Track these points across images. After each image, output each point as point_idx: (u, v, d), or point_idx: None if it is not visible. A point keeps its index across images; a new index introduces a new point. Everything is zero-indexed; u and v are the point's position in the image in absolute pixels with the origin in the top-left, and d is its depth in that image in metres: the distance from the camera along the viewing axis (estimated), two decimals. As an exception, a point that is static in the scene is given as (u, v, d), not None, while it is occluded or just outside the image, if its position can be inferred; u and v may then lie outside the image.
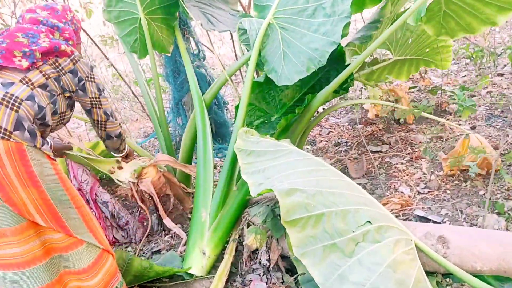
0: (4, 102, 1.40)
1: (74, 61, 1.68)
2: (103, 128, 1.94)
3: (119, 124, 2.01)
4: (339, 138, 3.59)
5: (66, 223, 1.51)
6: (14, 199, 1.40)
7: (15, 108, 1.41)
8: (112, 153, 2.26)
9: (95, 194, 2.57)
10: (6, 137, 1.37)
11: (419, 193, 2.48)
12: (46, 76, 1.56)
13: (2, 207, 1.40)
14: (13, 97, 1.42)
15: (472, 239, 1.65)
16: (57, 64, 1.61)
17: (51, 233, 1.50)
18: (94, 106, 1.84)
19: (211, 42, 4.66)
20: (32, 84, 1.50)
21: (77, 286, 1.59)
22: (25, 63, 1.48)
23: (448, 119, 3.28)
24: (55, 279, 1.51)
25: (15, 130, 1.39)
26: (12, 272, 1.44)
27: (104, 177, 3.20)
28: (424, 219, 2.20)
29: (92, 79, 1.78)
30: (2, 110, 1.38)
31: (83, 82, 1.73)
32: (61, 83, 1.63)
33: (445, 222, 2.16)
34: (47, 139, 1.90)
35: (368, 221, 1.62)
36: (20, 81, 1.47)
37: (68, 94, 1.68)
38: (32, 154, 1.43)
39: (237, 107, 2.50)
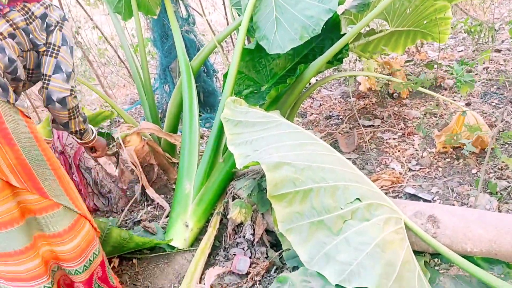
0: None
1: (44, 5, 1.53)
2: (45, 84, 1.54)
3: (71, 89, 1.57)
4: (330, 111, 3.50)
5: (42, 184, 1.41)
6: None
7: None
8: (75, 139, 1.86)
9: (79, 159, 2.47)
10: None
11: (410, 170, 2.42)
12: (14, 26, 1.42)
13: None
14: None
15: (464, 220, 1.60)
16: (26, 9, 1.46)
17: (26, 194, 1.40)
18: (46, 53, 1.53)
19: (202, 7, 4.48)
20: (1, 34, 1.38)
21: (49, 250, 1.51)
22: None
23: (443, 95, 3.19)
24: (30, 243, 1.42)
25: None
26: None
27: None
28: (415, 197, 2.14)
29: (61, 28, 1.56)
30: None
31: (51, 28, 1.53)
32: (30, 35, 1.47)
33: (435, 201, 2.11)
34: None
35: (358, 198, 1.56)
36: None
37: (42, 48, 1.51)
38: (5, 110, 1.32)
39: (225, 75, 2.39)
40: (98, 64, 5.02)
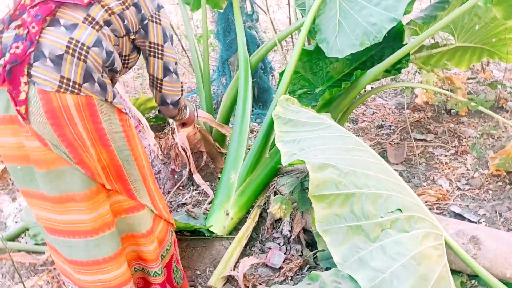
0: (70, 51, 1.20)
1: None
2: (158, 88, 1.53)
3: (181, 88, 1.59)
4: (383, 121, 3.46)
5: (131, 185, 1.39)
6: (86, 160, 1.25)
7: (82, 57, 1.21)
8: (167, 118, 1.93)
9: (136, 137, 2.60)
10: (76, 90, 1.20)
11: (458, 188, 2.36)
12: (110, 11, 1.30)
13: (73, 169, 1.24)
14: (79, 44, 1.21)
15: (507, 245, 1.56)
16: None
17: (116, 195, 1.37)
18: (152, 54, 1.46)
19: (267, 5, 4.54)
20: (97, 23, 1.27)
21: (133, 250, 1.48)
22: None
23: (504, 117, 3.07)
24: (119, 249, 1.38)
25: (85, 82, 1.22)
26: (78, 240, 1.32)
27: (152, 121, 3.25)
28: (460, 216, 2.10)
29: (158, 21, 1.43)
30: (69, 60, 1.19)
31: (146, 21, 1.40)
32: (125, 21, 1.34)
33: (481, 223, 2.05)
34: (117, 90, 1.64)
35: (399, 209, 1.55)
36: (83, 21, 1.24)
37: (132, 36, 1.40)
38: (102, 109, 1.27)
39: (282, 73, 2.43)
40: (162, 51, 5.21)
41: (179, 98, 1.61)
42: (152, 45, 1.45)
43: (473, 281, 1.63)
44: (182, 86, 1.61)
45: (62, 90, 1.18)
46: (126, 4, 1.34)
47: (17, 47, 1.17)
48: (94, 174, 1.27)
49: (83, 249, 1.34)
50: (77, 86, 1.21)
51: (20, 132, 1.22)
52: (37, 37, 1.19)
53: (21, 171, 1.30)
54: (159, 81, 1.52)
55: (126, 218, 1.42)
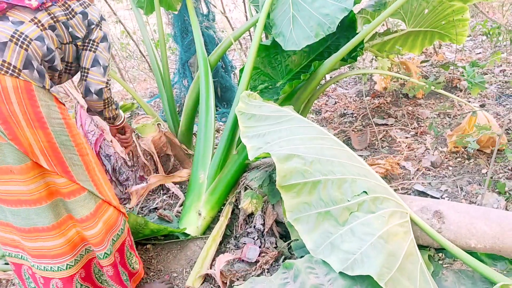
0: (14, 40, 1.36)
1: (84, 4, 1.61)
2: (84, 77, 1.65)
3: (107, 83, 1.69)
4: (345, 109, 3.54)
5: (70, 168, 1.49)
6: (20, 138, 1.37)
7: (24, 46, 1.37)
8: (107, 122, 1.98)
9: (100, 146, 2.57)
10: (15, 74, 1.34)
11: (420, 168, 2.45)
12: (55, 19, 1.49)
13: (8, 145, 1.37)
14: (23, 35, 1.38)
15: (469, 216, 1.64)
16: (66, 5, 1.54)
17: (55, 177, 1.49)
18: (86, 48, 1.63)
19: (222, 4, 4.55)
20: (42, 25, 1.44)
21: (78, 232, 1.59)
22: (34, 3, 1.43)
23: (458, 96, 3.20)
24: (58, 221, 1.51)
25: (24, 68, 1.36)
26: (20, 208, 1.47)
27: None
28: (423, 194, 2.18)
29: (101, 27, 1.66)
30: (12, 47, 1.35)
31: (93, 26, 1.62)
32: (70, 28, 1.54)
33: (444, 198, 2.14)
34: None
35: (365, 192, 1.60)
36: (30, 21, 1.42)
37: (79, 43, 1.59)
38: (40, 95, 1.40)
39: (241, 70, 2.45)
40: (120, 58, 5.14)
41: (102, 88, 1.67)
42: (89, 41, 1.63)
43: (440, 254, 1.70)
44: (108, 82, 1.70)
45: (2, 72, 1.32)
46: (72, 14, 1.55)
47: None
48: (27, 151, 1.39)
49: (25, 217, 1.48)
50: (16, 71, 1.35)
51: None
52: None
53: None
54: (85, 70, 1.63)
55: (67, 203, 1.54)
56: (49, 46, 1.45)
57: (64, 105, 1.51)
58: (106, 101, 1.73)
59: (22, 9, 1.43)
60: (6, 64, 1.33)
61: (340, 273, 1.38)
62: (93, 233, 1.57)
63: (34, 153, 1.41)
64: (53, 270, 1.54)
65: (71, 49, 1.59)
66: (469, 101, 3.07)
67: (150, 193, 2.64)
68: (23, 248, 1.58)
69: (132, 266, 1.79)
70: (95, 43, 1.63)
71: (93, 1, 1.79)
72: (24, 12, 1.43)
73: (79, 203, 1.53)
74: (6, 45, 1.34)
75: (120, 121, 1.97)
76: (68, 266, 1.56)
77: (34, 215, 1.47)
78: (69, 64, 1.63)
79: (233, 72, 4.03)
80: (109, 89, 1.73)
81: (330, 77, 3.84)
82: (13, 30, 1.37)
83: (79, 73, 1.69)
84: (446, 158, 2.49)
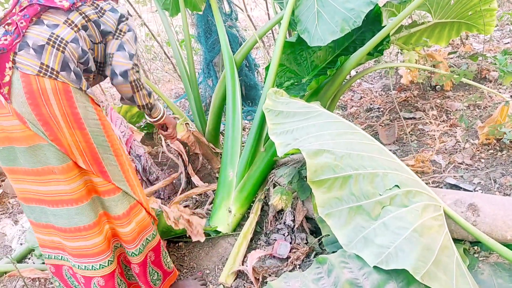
0: (51, 43, 1.40)
1: (109, 4, 1.62)
2: (109, 62, 1.61)
3: (134, 65, 1.63)
4: (371, 104, 3.51)
5: (106, 168, 1.53)
6: (61, 138, 1.41)
7: (61, 48, 1.41)
8: (147, 117, 1.94)
9: (130, 147, 2.63)
10: (54, 76, 1.38)
11: (451, 161, 2.41)
12: (86, 18, 1.51)
13: (49, 145, 1.41)
14: (59, 38, 1.41)
15: (504, 208, 1.61)
16: (95, 4, 1.56)
17: (92, 176, 1.52)
18: (113, 37, 1.61)
19: (244, 3, 4.57)
20: (76, 26, 1.47)
21: (111, 228, 1.63)
22: (66, 3, 1.46)
23: (488, 87, 3.13)
24: (98, 218, 1.55)
25: (62, 70, 1.40)
26: (61, 208, 1.50)
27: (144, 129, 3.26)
28: (456, 187, 2.14)
29: (127, 20, 1.66)
30: (49, 50, 1.39)
31: (124, 19, 1.63)
32: (102, 26, 1.55)
33: (477, 191, 2.10)
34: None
35: (396, 185, 1.59)
36: (64, 22, 1.45)
37: (109, 38, 1.59)
38: (77, 96, 1.44)
39: (267, 68, 2.46)
40: (145, 60, 5.22)
41: (128, 70, 1.60)
42: (117, 31, 1.61)
43: (475, 247, 1.67)
44: (135, 67, 1.63)
45: (41, 74, 1.36)
46: (102, 12, 1.57)
47: (5, 39, 1.37)
48: (68, 151, 1.43)
49: (66, 216, 1.51)
50: (55, 73, 1.39)
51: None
52: (24, 31, 1.39)
53: (3, 151, 1.47)
54: (111, 55, 1.60)
55: (103, 200, 1.57)
56: (83, 48, 1.49)
57: (99, 106, 1.55)
58: (133, 83, 1.65)
59: (55, 11, 1.47)
60: (44, 67, 1.37)
61: (375, 267, 1.38)
62: (127, 231, 1.61)
63: (73, 153, 1.44)
64: (94, 269, 1.58)
65: (102, 49, 1.61)
66: (500, 92, 3.00)
67: (180, 191, 2.68)
68: (64, 249, 1.62)
69: (167, 265, 1.82)
70: (122, 32, 1.62)
71: (117, 1, 1.81)
72: (57, 14, 1.47)
73: (113, 202, 1.57)
74: (43, 48, 1.38)
75: (160, 115, 1.91)
76: (109, 262, 1.60)
77: (75, 215, 1.50)
78: (101, 65, 1.65)
79: (256, 71, 4.05)
80: (137, 71, 1.67)
81: (356, 72, 3.80)
82: (50, 33, 1.41)
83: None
84: (478, 150, 2.44)
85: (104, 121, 1.53)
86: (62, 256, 1.68)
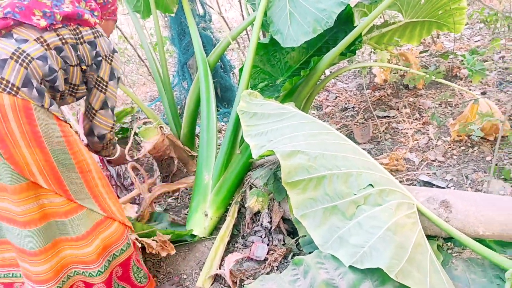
0: (14, 57, 1.35)
1: (96, 34, 1.58)
2: (90, 117, 1.66)
3: (112, 126, 1.71)
4: (346, 103, 3.54)
5: (68, 187, 1.48)
6: (16, 157, 1.35)
7: (24, 64, 1.36)
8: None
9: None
10: (13, 92, 1.32)
11: (424, 158, 2.45)
12: (63, 40, 1.47)
13: (3, 164, 1.36)
14: (24, 54, 1.36)
15: (476, 204, 1.63)
16: (77, 31, 1.52)
17: (52, 197, 1.46)
18: (96, 87, 1.63)
19: (218, 4, 4.56)
20: (48, 45, 1.43)
21: (71, 254, 1.55)
22: (43, 23, 1.42)
23: (459, 85, 3.19)
24: (48, 245, 1.48)
25: (23, 86, 1.34)
26: (13, 227, 1.44)
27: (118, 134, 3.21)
28: (429, 184, 2.17)
29: (110, 60, 1.64)
30: (11, 65, 1.34)
31: (100, 58, 1.60)
32: (78, 52, 1.52)
33: (450, 188, 2.14)
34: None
35: (370, 185, 1.60)
36: (35, 40, 1.41)
37: (84, 67, 1.57)
38: (39, 114, 1.38)
39: (241, 70, 2.45)
40: (119, 63, 5.14)
41: (106, 134, 1.71)
42: (99, 79, 1.63)
43: (449, 243, 1.69)
44: (113, 126, 1.72)
45: (0, 89, 1.31)
46: (81, 40, 1.53)
47: None
48: (24, 171, 1.38)
49: (17, 236, 1.46)
50: (15, 89, 1.33)
51: None
52: None
53: None
54: (93, 111, 1.65)
55: (66, 222, 1.51)
56: (52, 66, 1.44)
57: (66, 122, 1.49)
58: (106, 144, 1.73)
59: (29, 27, 1.42)
60: (4, 82, 1.32)
61: (350, 267, 1.38)
62: (88, 251, 1.54)
63: (32, 172, 1.39)
64: None
65: (78, 72, 1.56)
66: (470, 89, 3.06)
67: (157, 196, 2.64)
68: (17, 264, 1.56)
69: (139, 280, 1.77)
70: (105, 82, 1.63)
71: (109, 35, 1.80)
72: (30, 30, 1.42)
73: (76, 222, 1.51)
74: (6, 62, 1.33)
75: (111, 157, 1.94)
76: None
77: (23, 237, 1.44)
78: (75, 87, 1.59)
79: (232, 72, 4.04)
80: (113, 132, 1.72)
81: (330, 72, 3.83)
82: (15, 48, 1.36)
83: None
84: (450, 147, 2.48)
85: (69, 137, 1.48)
86: (13, 273, 1.61)
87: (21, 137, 1.35)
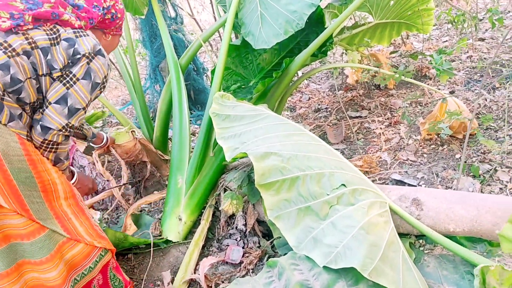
0: None
1: (78, 34, 1.44)
2: (42, 110, 1.44)
3: (64, 128, 1.45)
4: (319, 104, 3.56)
5: (28, 206, 1.38)
6: None
7: None
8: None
9: (73, 158, 2.51)
10: None
11: (396, 157, 2.48)
12: (33, 44, 1.34)
13: None
14: None
15: (446, 201, 1.66)
16: (54, 30, 1.39)
17: (12, 218, 1.36)
18: (61, 79, 1.42)
19: (190, 6, 4.52)
20: (13, 50, 1.29)
21: (35, 278, 1.45)
22: (5, 24, 1.29)
23: (428, 84, 3.26)
24: (10, 268, 1.37)
25: None
26: None
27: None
28: (401, 183, 2.21)
29: (90, 60, 1.44)
30: None
31: (79, 56, 1.42)
32: (48, 55, 1.37)
33: (421, 185, 2.17)
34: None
35: (343, 184, 1.61)
36: None
37: (57, 74, 1.40)
38: None
39: (213, 72, 2.44)
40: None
41: (51, 129, 1.42)
42: (68, 73, 1.43)
43: (421, 241, 1.72)
44: (64, 128, 1.44)
45: None
46: (57, 40, 1.38)
47: None
48: None
49: None
50: None
51: None
52: None
53: None
54: (47, 103, 1.42)
55: (26, 245, 1.40)
56: (15, 76, 1.30)
57: (29, 140, 1.40)
58: (46, 142, 1.44)
59: None
60: None
61: (324, 267, 1.38)
62: (53, 275, 1.45)
63: None
64: None
65: (48, 83, 1.42)
66: (439, 89, 3.13)
67: (129, 201, 2.60)
68: None
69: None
70: (74, 78, 1.43)
71: (112, 50, 1.71)
72: None
73: (38, 244, 1.41)
74: None
75: (66, 174, 1.66)
76: None
77: None
78: (46, 99, 1.44)
79: (205, 74, 4.01)
80: (64, 136, 1.47)
81: (302, 73, 3.85)
82: None
83: None
84: (421, 145, 2.53)
85: (33, 156, 1.38)
86: None
87: None
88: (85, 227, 1.57)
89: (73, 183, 1.71)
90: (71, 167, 1.71)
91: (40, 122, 1.41)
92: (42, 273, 1.44)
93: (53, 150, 1.48)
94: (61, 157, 1.54)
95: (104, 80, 1.53)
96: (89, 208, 2.34)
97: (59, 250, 1.47)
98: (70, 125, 1.46)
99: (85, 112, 1.51)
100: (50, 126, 1.42)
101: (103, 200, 2.54)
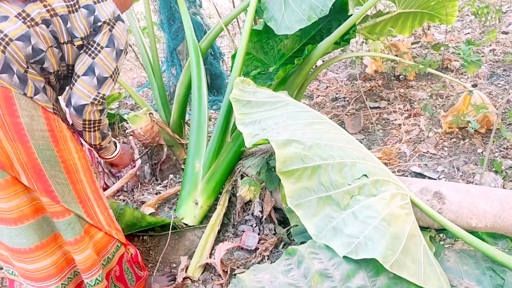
0: None
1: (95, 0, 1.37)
2: (71, 84, 1.40)
3: (96, 100, 1.39)
4: (337, 93, 3.52)
5: (53, 188, 1.32)
6: None
7: (1, 47, 1.19)
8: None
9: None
10: None
11: (415, 150, 2.45)
12: (52, 11, 1.28)
13: None
14: (1, 35, 1.20)
15: (469, 196, 1.63)
16: None
17: (39, 194, 1.32)
18: (86, 51, 1.37)
19: (209, -10, 4.48)
20: (32, 20, 1.24)
21: (66, 252, 1.44)
22: None
23: (450, 77, 3.20)
24: (43, 241, 1.35)
25: (2, 72, 1.20)
26: (2, 226, 1.32)
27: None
28: (420, 176, 2.18)
29: (111, 27, 1.38)
30: None
31: (100, 23, 1.36)
32: (68, 23, 1.31)
33: (441, 179, 2.14)
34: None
35: (365, 175, 1.59)
36: (17, 16, 1.23)
37: (79, 42, 1.35)
38: (21, 104, 1.23)
39: (233, 56, 2.41)
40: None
41: (85, 105, 1.38)
42: (92, 43, 1.37)
43: (441, 235, 1.69)
44: (96, 99, 1.39)
45: None
46: (75, 7, 1.33)
47: None
48: (5, 166, 1.25)
49: (7, 235, 1.34)
50: None
51: None
52: None
53: None
54: (75, 76, 1.38)
55: (55, 223, 1.38)
56: (36, 46, 1.26)
57: (55, 114, 1.34)
58: (87, 122, 1.42)
59: (12, 1, 1.24)
60: None
61: (344, 257, 1.37)
62: (81, 258, 1.41)
63: (14, 167, 1.26)
64: None
65: (71, 50, 1.36)
66: (461, 81, 3.07)
67: (144, 183, 2.60)
68: (12, 265, 1.46)
69: (130, 282, 1.69)
70: (98, 47, 1.37)
71: (126, 10, 1.61)
72: (12, 5, 1.24)
73: (64, 226, 1.37)
74: None
75: (108, 156, 1.66)
76: (63, 286, 1.43)
77: (15, 236, 1.33)
78: (70, 67, 1.40)
79: (222, 59, 3.98)
80: (99, 110, 1.42)
81: (322, 61, 3.80)
82: None
83: None
84: (441, 139, 2.49)
85: (56, 133, 1.32)
86: (12, 271, 1.50)
87: (1, 129, 1.22)
88: (104, 216, 1.53)
89: (116, 155, 1.67)
90: (112, 138, 1.66)
91: (73, 102, 1.37)
92: (74, 254, 1.41)
93: (95, 128, 1.46)
94: (105, 130, 1.53)
95: (126, 46, 1.48)
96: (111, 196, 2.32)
97: (86, 235, 1.43)
98: (101, 95, 1.40)
99: (114, 82, 1.45)
100: (83, 101, 1.37)
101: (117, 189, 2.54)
